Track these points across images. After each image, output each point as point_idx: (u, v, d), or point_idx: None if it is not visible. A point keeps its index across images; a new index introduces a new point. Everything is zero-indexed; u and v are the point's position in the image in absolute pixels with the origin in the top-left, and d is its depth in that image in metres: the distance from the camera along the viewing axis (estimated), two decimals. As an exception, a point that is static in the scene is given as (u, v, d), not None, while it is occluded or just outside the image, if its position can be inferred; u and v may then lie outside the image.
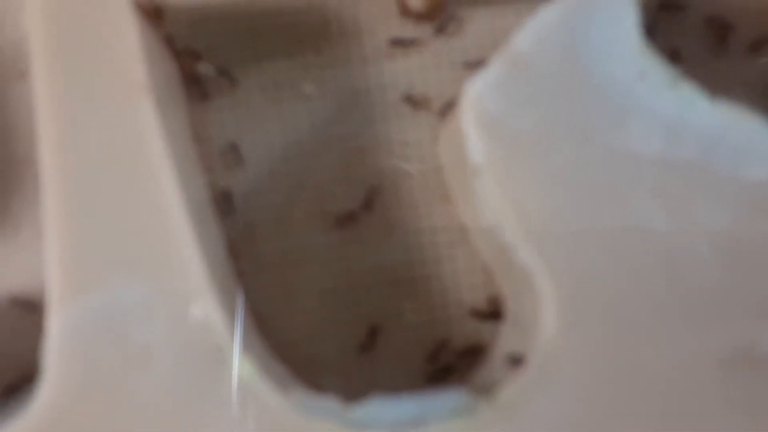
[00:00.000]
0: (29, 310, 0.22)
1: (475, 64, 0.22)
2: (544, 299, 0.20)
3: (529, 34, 0.20)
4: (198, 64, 0.24)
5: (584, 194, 0.20)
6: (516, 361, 0.20)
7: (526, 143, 0.20)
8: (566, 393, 0.19)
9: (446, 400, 0.19)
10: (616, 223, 0.20)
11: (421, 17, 0.25)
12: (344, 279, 0.24)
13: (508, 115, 0.20)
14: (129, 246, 0.20)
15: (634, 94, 0.20)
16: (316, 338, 0.24)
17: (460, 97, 0.21)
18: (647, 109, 0.20)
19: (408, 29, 0.25)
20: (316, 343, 0.24)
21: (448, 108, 0.24)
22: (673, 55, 0.22)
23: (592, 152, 0.20)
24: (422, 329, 0.24)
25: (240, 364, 0.20)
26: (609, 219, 0.20)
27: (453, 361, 0.23)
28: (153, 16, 0.24)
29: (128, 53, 0.20)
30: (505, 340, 0.22)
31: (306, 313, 0.24)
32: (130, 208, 0.20)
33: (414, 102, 0.25)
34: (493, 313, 0.23)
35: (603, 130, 0.20)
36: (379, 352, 0.24)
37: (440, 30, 0.24)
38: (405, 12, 0.24)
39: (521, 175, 0.20)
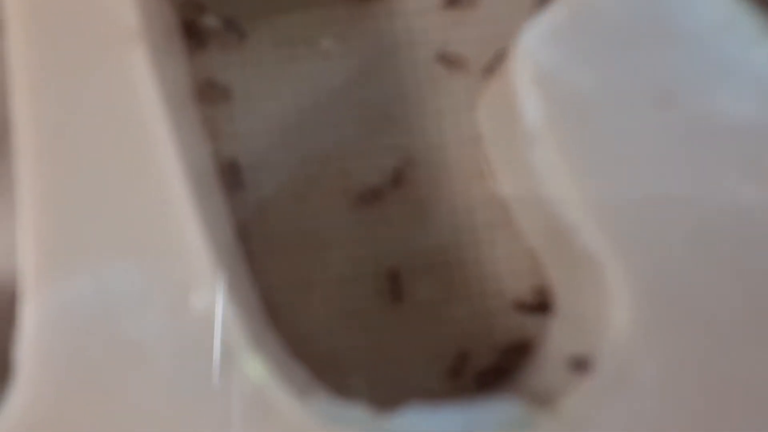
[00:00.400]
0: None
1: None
2: (614, 291, 0.17)
3: (596, -27, 0.17)
4: (202, 16, 0.22)
5: (663, 166, 0.17)
6: (580, 365, 0.17)
7: (591, 104, 0.17)
8: (643, 404, 0.16)
9: (498, 411, 0.17)
10: (702, 200, 0.17)
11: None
12: (368, 265, 0.22)
13: (570, 71, 0.17)
14: (119, 223, 0.17)
15: (720, 47, 0.17)
16: (337, 332, 0.21)
17: (510, 51, 0.18)
18: (736, 66, 0.17)
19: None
20: (337, 338, 0.21)
21: (494, 64, 0.21)
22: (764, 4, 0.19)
23: (671, 116, 0.17)
24: (458, 323, 0.21)
25: (251, 365, 0.17)
26: (693, 196, 0.17)
27: (496, 361, 0.20)
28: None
29: (118, -7, 0.17)
30: (557, 337, 0.20)
31: (325, 303, 0.22)
32: (120, 178, 0.18)
33: (449, 62, 0.22)
34: (539, 305, 0.21)
35: (684, 90, 0.17)
36: (410, 349, 0.21)
37: (452, 3, 0.21)
38: None
39: (586, 142, 0.17)
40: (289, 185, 0.22)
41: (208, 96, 0.22)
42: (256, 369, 0.17)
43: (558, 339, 0.20)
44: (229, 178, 0.22)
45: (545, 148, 0.18)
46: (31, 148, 0.18)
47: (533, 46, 0.18)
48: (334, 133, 0.23)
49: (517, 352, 0.21)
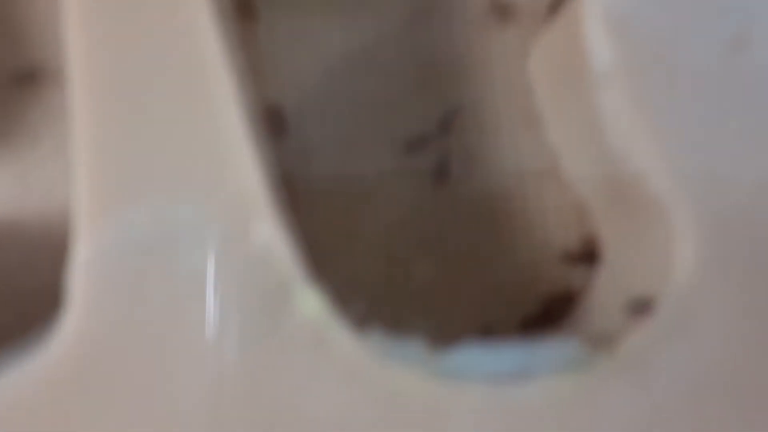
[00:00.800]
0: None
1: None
2: (679, 235, 0.16)
3: None
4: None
5: (732, 110, 0.16)
6: (641, 307, 0.17)
7: (662, 46, 0.17)
8: (706, 348, 0.16)
9: (556, 350, 0.16)
10: (770, 144, 0.16)
11: None
12: (415, 214, 0.21)
13: (641, 13, 0.17)
14: (174, 155, 0.17)
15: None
16: (381, 279, 0.21)
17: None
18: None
19: None
20: (381, 286, 0.21)
21: (553, 9, 0.20)
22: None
23: (743, 60, 0.16)
24: (504, 272, 0.21)
25: (307, 299, 0.16)
26: (761, 140, 0.16)
27: (541, 309, 0.20)
28: None
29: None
30: (609, 284, 0.19)
31: (369, 251, 0.21)
32: (177, 112, 0.17)
33: (501, 11, 0.21)
34: (587, 254, 0.20)
35: (757, 35, 0.17)
36: (454, 298, 0.21)
37: None
38: None
39: (656, 84, 0.17)
40: (334, 132, 0.22)
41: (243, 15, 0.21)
42: (312, 303, 0.17)
43: (610, 285, 0.19)
44: (273, 123, 0.22)
45: (614, 91, 0.17)
46: (86, 81, 0.17)
47: (601, -12, 0.18)
48: (382, 81, 0.22)
49: (562, 302, 0.21)
